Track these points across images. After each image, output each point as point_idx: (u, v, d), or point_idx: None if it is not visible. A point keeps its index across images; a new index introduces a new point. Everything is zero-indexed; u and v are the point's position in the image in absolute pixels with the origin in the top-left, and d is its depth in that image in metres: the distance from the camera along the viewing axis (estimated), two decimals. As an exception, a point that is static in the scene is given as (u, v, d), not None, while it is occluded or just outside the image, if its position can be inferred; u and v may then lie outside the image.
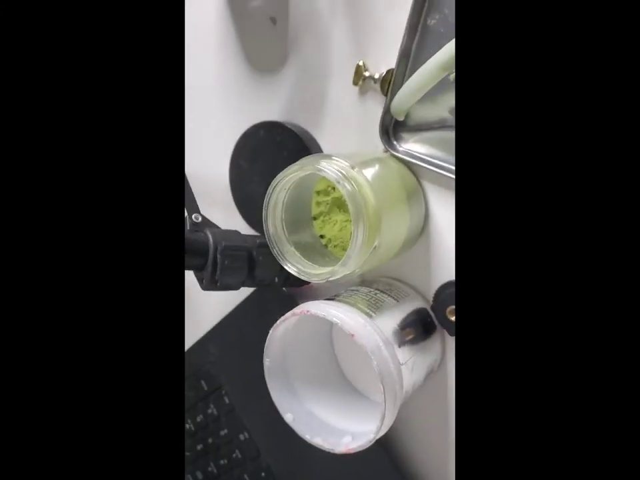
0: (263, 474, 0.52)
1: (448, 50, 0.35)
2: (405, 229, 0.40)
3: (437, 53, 0.36)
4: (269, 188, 0.38)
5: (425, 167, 0.41)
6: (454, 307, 0.40)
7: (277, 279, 0.43)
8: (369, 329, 0.36)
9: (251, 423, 0.53)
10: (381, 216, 0.36)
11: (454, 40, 0.35)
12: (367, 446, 0.36)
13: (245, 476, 0.53)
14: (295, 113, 0.49)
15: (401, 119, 0.42)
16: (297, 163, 0.38)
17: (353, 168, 0.37)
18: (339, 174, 0.35)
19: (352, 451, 0.37)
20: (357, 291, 0.42)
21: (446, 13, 0.39)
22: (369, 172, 0.39)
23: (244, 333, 0.53)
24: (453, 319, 0.40)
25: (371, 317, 0.38)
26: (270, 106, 0.51)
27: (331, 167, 0.36)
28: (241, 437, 0.54)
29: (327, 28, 0.46)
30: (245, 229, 0.53)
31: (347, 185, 0.35)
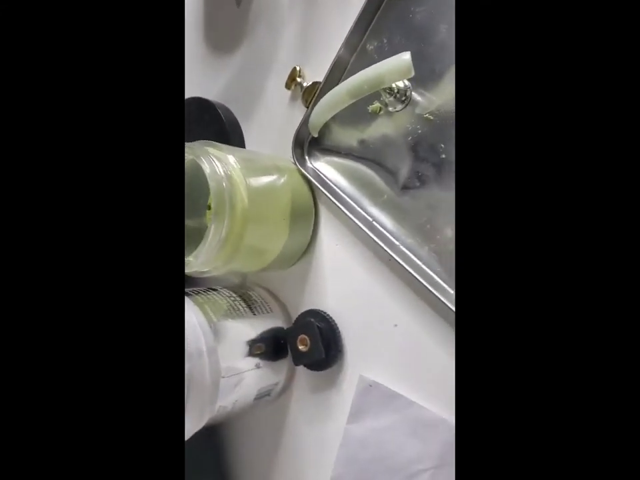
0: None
1: (356, 78, 0.34)
2: (280, 244, 0.38)
3: (349, 79, 0.35)
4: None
5: (325, 193, 0.39)
6: (305, 336, 0.38)
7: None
8: (197, 331, 0.34)
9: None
10: (249, 222, 0.35)
11: (365, 70, 0.34)
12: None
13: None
14: (231, 97, 0.48)
15: (315, 135, 0.40)
16: (188, 144, 0.37)
17: (236, 166, 0.35)
18: (214, 167, 0.34)
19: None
20: (218, 292, 0.41)
21: (384, 42, 0.38)
22: (260, 178, 0.38)
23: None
24: (301, 347, 0.38)
25: (213, 321, 0.37)
26: (212, 84, 0.49)
27: (209, 159, 0.34)
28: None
29: (283, 23, 0.45)
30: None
31: (215, 180, 0.33)
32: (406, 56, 0.32)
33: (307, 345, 0.38)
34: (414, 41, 0.36)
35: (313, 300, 0.41)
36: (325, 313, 0.40)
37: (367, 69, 0.34)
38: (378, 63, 0.33)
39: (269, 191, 0.38)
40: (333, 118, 0.40)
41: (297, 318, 0.41)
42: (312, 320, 0.39)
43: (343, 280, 0.40)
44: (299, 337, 0.39)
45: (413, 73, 0.32)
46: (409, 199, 0.36)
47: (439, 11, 0.35)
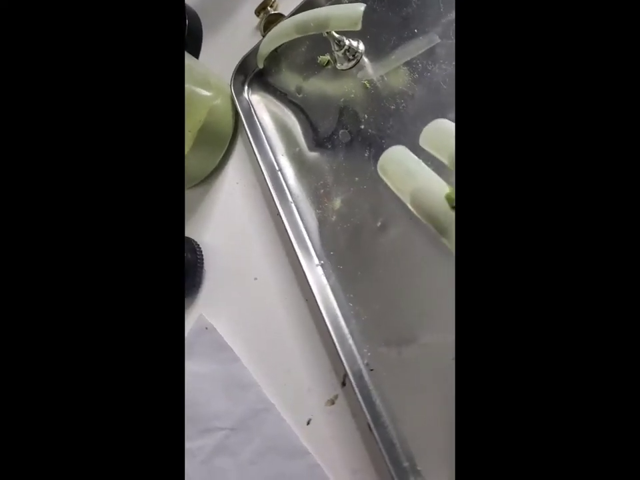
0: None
1: (306, 14, 0.32)
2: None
3: (299, 14, 0.33)
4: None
5: (244, 126, 0.37)
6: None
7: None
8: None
9: None
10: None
11: (317, 9, 0.32)
12: None
13: None
14: (206, 8, 0.45)
15: (260, 65, 0.38)
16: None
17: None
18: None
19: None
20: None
21: None
22: (186, 86, 0.35)
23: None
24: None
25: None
26: (194, -11, 0.47)
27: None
28: None
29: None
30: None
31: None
32: (359, 7, 0.30)
33: (165, 267, 0.36)
34: (385, 6, 0.34)
35: (193, 229, 0.39)
36: (198, 245, 0.38)
37: (318, 8, 0.32)
38: (330, 6, 0.31)
39: (186, 104, 0.35)
40: (285, 57, 0.38)
41: (170, 239, 0.38)
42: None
43: (228, 220, 0.38)
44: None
45: (359, 27, 0.30)
46: (316, 157, 0.34)
47: (418, -15, 0.33)
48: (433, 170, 0.25)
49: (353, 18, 0.30)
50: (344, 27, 0.31)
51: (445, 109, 0.29)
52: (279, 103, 0.38)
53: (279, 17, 0.38)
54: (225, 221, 0.38)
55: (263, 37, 0.39)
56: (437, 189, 0.23)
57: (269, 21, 0.38)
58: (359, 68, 0.34)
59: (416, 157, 0.26)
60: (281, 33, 0.33)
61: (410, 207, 0.25)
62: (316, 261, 0.32)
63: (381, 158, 0.27)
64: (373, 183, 0.31)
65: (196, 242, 0.38)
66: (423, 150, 0.27)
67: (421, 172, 0.24)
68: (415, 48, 0.32)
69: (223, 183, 0.39)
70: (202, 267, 0.37)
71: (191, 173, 0.38)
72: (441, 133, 0.25)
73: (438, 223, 0.23)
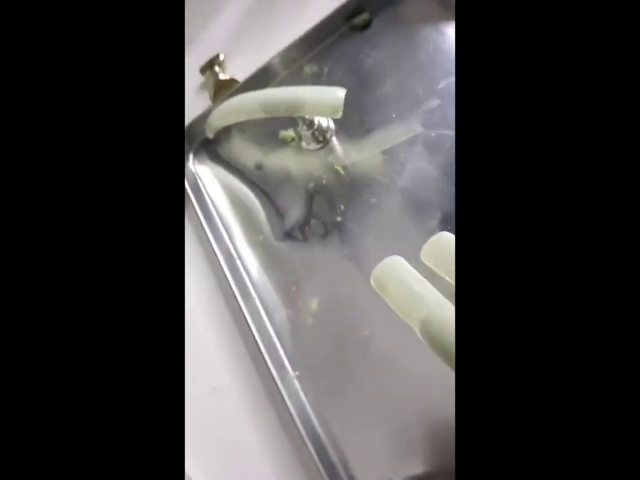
0: None
1: (277, 93, 0.28)
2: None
3: (268, 90, 0.29)
4: None
5: (193, 204, 0.33)
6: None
7: None
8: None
9: None
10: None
11: (290, 88, 0.28)
12: None
13: None
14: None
15: (210, 136, 0.34)
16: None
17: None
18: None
19: None
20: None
21: (324, 70, 0.33)
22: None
23: None
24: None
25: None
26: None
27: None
28: None
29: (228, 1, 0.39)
30: None
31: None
32: (339, 93, 0.27)
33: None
34: (356, 83, 0.32)
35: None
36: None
37: (292, 87, 0.28)
38: (306, 87, 0.28)
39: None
40: (240, 127, 0.34)
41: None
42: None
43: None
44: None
45: (339, 115, 0.27)
46: (285, 249, 0.30)
47: (392, 64, 0.31)
48: (438, 290, 0.22)
49: (333, 106, 0.27)
50: (321, 114, 0.28)
51: (432, 209, 0.27)
52: (234, 180, 0.33)
53: (232, 84, 0.34)
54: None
55: (212, 101, 0.34)
56: (451, 318, 0.21)
57: (221, 85, 0.34)
58: (328, 150, 0.31)
59: (417, 273, 0.23)
60: (242, 110, 0.29)
61: (419, 335, 0.22)
62: (290, 371, 0.28)
63: (376, 269, 0.24)
64: (356, 285, 0.28)
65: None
66: (418, 260, 0.24)
67: (428, 296, 0.22)
68: (393, 135, 0.29)
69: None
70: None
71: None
72: (446, 251, 0.23)
73: (452, 357, 0.21)
